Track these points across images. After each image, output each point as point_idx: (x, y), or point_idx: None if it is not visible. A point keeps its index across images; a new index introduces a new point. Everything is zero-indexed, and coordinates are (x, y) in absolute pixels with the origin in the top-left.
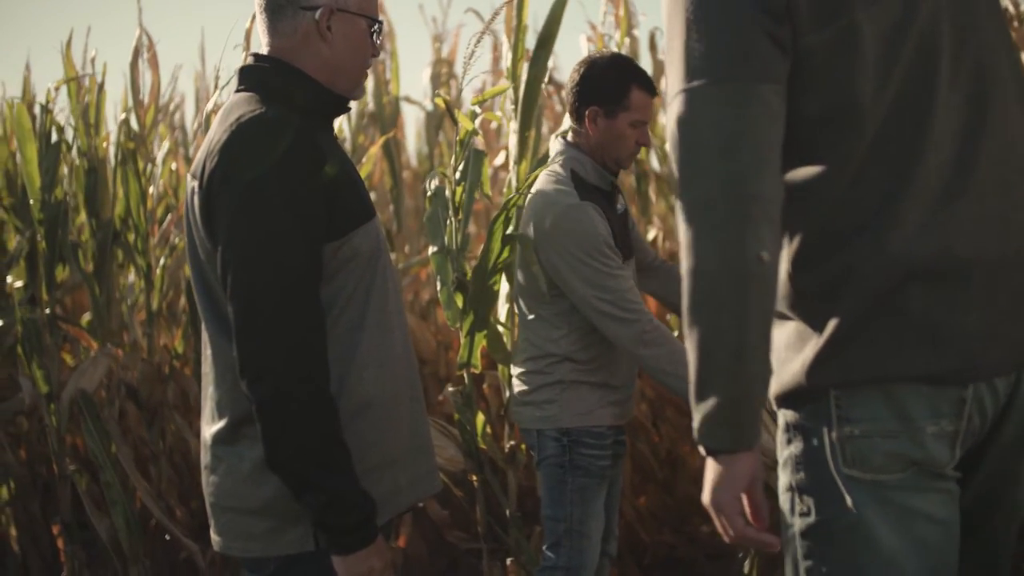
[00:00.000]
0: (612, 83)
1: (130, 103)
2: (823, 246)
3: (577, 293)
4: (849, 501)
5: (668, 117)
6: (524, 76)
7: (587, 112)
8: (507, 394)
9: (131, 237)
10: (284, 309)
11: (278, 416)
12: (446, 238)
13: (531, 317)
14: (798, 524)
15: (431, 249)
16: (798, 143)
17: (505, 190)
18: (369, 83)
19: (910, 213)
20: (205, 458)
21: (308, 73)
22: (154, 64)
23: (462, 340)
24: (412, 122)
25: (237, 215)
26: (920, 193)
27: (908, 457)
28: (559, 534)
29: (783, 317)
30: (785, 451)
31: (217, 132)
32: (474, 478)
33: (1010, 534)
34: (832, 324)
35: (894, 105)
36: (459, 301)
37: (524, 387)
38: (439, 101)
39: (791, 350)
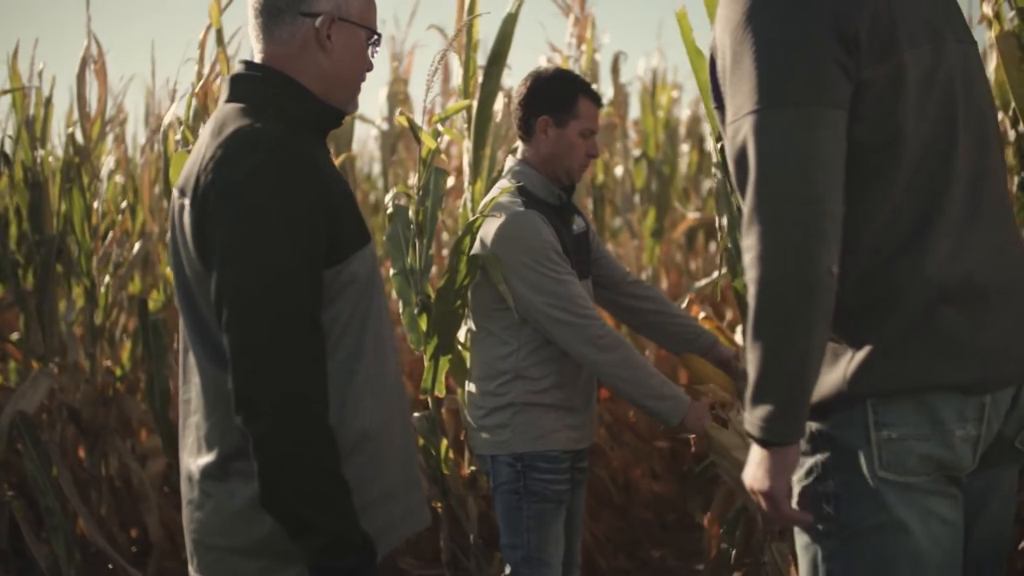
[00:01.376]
0: (560, 93)
1: (76, 116)
2: (866, 266)
3: (525, 300)
4: (882, 502)
5: (737, 134)
6: (477, 94)
7: (537, 122)
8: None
9: (74, 254)
10: (284, 340)
11: (277, 454)
12: (408, 259)
13: (480, 334)
14: (822, 528)
15: (391, 270)
16: (848, 168)
17: (461, 211)
18: None
19: (941, 240)
20: (191, 493)
21: (303, 83)
22: (102, 75)
23: (426, 364)
24: (356, 140)
25: (234, 240)
26: (948, 221)
27: (937, 459)
28: (517, 561)
29: None
30: (808, 460)
31: (209, 147)
32: (438, 505)
33: (1008, 528)
34: (872, 338)
35: (927, 140)
36: (423, 324)
37: (477, 411)
38: (402, 120)
39: (824, 365)
